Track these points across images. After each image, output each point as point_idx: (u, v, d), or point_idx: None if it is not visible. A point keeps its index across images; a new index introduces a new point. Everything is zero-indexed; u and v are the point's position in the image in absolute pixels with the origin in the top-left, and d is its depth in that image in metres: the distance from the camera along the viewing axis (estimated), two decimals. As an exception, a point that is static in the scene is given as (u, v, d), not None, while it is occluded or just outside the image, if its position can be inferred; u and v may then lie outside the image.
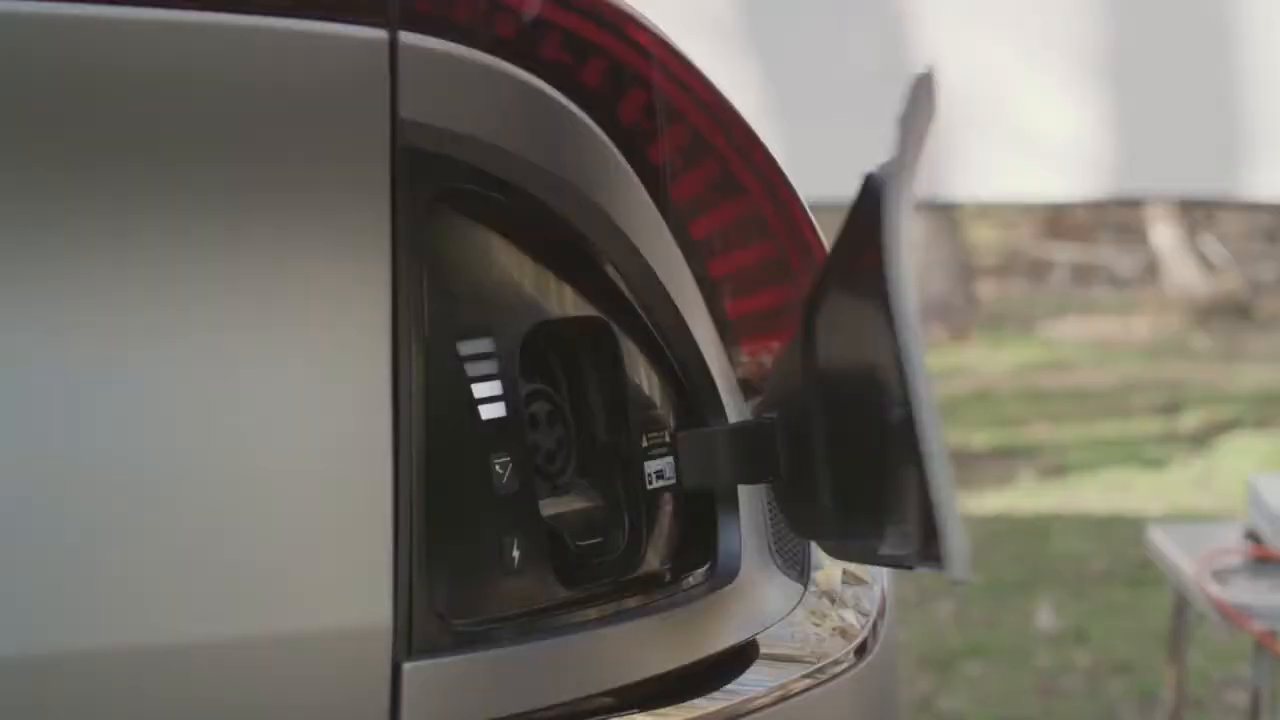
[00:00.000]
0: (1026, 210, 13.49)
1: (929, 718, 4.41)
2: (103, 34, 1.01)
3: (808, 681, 1.27)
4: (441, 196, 1.10)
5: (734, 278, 1.28)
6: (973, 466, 7.63)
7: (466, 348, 1.12)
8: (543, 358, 1.20)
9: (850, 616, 1.36)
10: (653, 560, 1.22)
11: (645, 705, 1.16)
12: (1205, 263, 13.56)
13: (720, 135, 1.25)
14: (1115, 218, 14.25)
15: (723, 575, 1.25)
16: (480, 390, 1.12)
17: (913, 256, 1.09)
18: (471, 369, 1.12)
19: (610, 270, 1.19)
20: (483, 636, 1.10)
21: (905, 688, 4.44)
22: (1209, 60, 5.34)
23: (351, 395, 1.06)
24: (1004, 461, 7.97)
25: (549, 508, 1.17)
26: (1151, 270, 13.84)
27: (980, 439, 8.39)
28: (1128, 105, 5.44)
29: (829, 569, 1.34)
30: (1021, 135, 5.71)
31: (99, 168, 1.01)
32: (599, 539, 1.19)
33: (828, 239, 1.33)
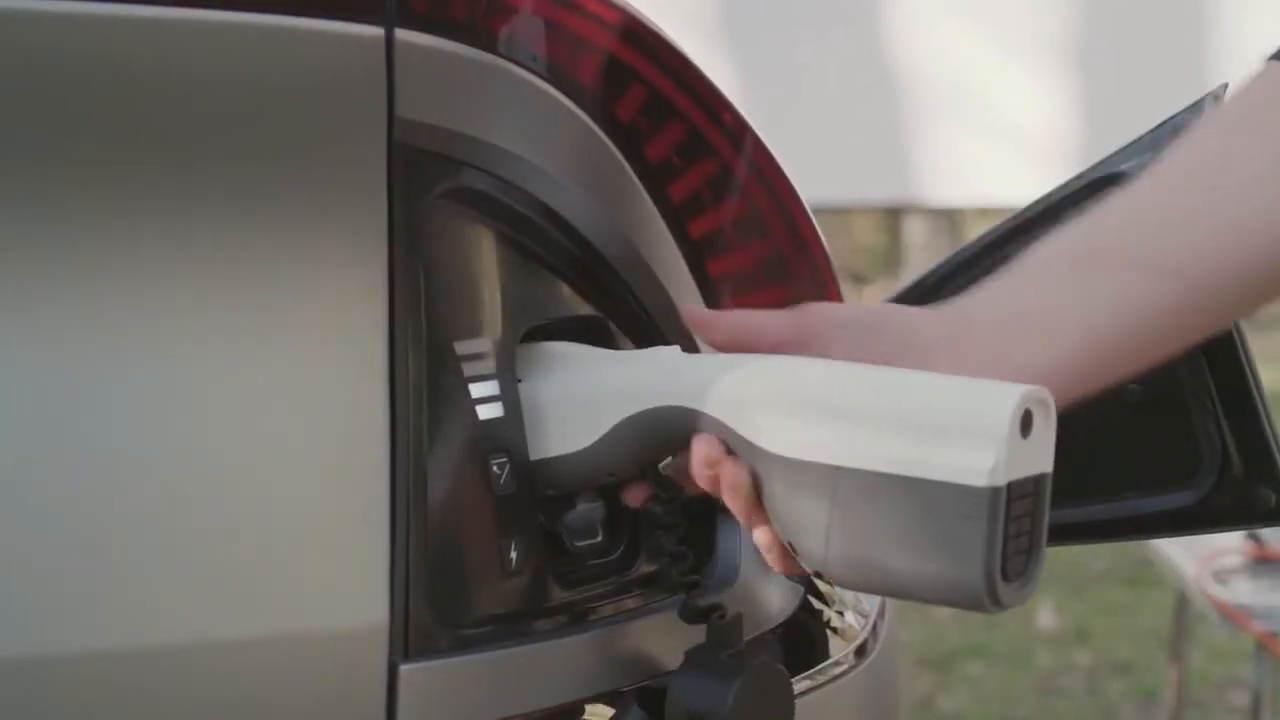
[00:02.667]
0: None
1: (929, 717, 4.41)
2: (94, 31, 1.00)
3: (808, 683, 1.27)
4: (439, 195, 1.10)
5: (733, 277, 1.28)
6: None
7: (464, 347, 1.11)
8: (541, 357, 1.20)
9: (850, 618, 1.35)
10: (651, 562, 1.21)
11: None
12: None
13: (719, 133, 1.25)
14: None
15: (722, 576, 1.25)
16: (477, 390, 1.11)
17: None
18: (469, 368, 1.11)
19: (608, 269, 1.19)
20: (480, 638, 1.10)
21: (905, 687, 4.43)
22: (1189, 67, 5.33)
23: (348, 395, 1.05)
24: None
25: (546, 508, 1.16)
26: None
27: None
28: (1118, 105, 5.43)
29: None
30: (1025, 141, 5.70)
31: (90, 166, 1.01)
32: (597, 540, 1.18)
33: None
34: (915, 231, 7.12)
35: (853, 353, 1.08)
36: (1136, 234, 1.07)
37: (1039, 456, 1.01)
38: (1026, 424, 1.00)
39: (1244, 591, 3.27)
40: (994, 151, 5.74)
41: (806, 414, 1.04)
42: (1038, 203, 1.26)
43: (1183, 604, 3.68)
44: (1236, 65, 5.46)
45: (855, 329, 1.10)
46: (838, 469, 1.03)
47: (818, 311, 1.13)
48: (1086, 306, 1.06)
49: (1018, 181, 5.68)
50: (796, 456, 1.04)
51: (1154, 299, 1.06)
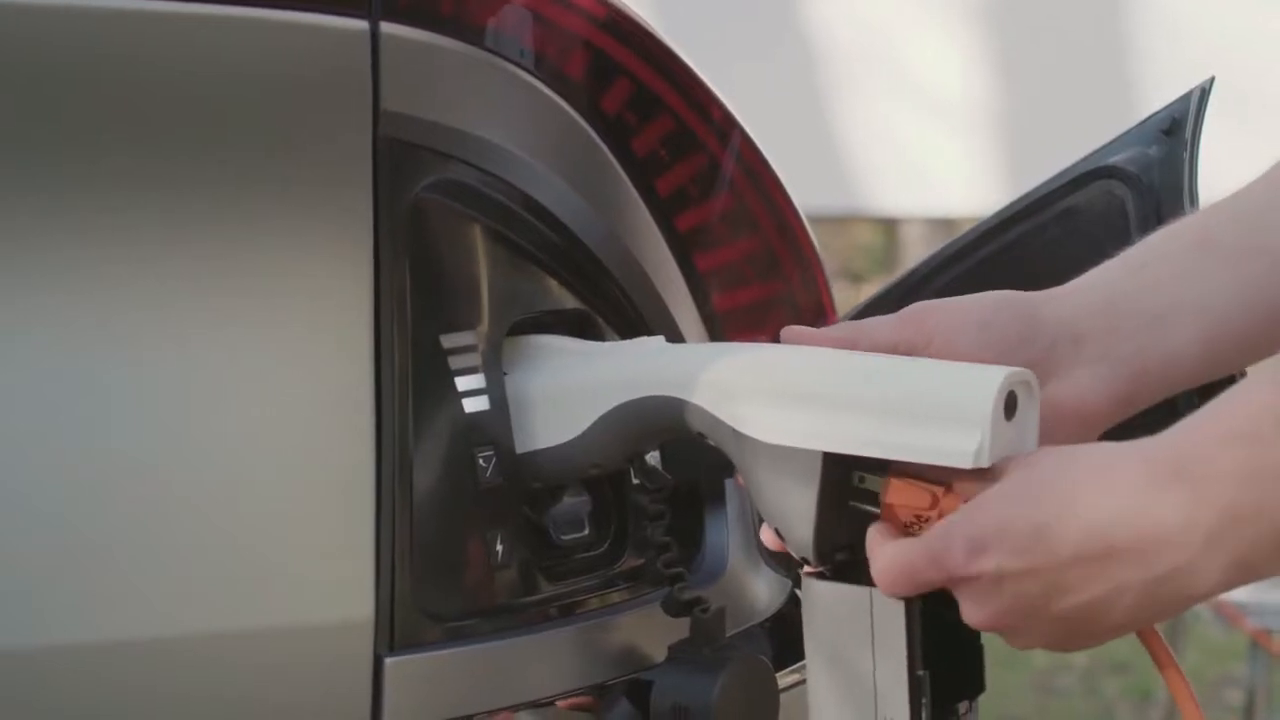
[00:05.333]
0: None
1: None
2: (76, 23, 1.00)
3: (796, 677, 1.27)
4: (424, 188, 1.10)
5: (721, 271, 1.28)
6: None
7: (450, 340, 1.11)
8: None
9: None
10: (638, 555, 1.21)
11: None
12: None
13: (706, 128, 1.25)
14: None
15: (710, 569, 1.25)
16: (463, 383, 1.11)
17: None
18: (455, 361, 1.11)
19: (594, 262, 1.19)
20: (466, 631, 1.10)
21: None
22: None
23: (333, 388, 1.05)
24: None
25: (533, 501, 1.17)
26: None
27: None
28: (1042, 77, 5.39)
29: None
30: (947, 114, 5.65)
31: (74, 161, 1.01)
32: (584, 533, 1.18)
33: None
34: (912, 231, 7.13)
35: (974, 350, 1.06)
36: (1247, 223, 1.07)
37: (1023, 438, 1.02)
38: (1010, 406, 1.00)
39: (1239, 589, 3.27)
40: (995, 162, 5.71)
41: (791, 401, 1.04)
42: (1024, 198, 1.26)
43: (1178, 602, 3.67)
44: (1158, 33, 5.39)
45: (974, 327, 1.07)
46: (823, 454, 1.03)
47: (930, 311, 1.09)
48: (1206, 296, 1.06)
49: (953, 182, 5.63)
50: (782, 443, 1.04)
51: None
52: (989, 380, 0.99)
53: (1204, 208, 1.11)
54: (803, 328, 1.11)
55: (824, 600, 1.06)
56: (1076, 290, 1.09)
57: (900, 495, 1.02)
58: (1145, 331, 1.06)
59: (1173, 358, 1.06)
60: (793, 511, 1.05)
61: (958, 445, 0.98)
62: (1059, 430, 1.03)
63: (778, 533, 1.07)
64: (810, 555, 1.05)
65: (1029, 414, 1.02)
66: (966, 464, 0.98)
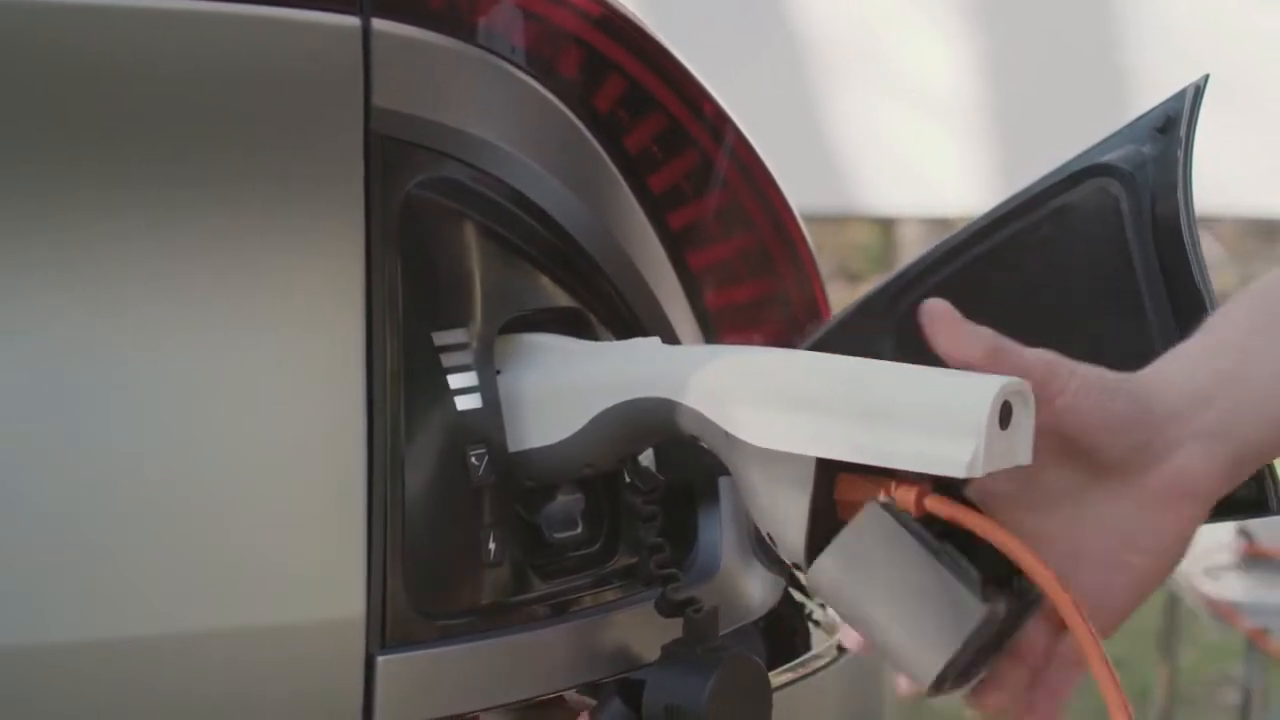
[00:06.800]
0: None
1: (922, 714, 4.40)
2: (66, 20, 1.00)
3: (789, 675, 1.27)
4: (416, 185, 1.10)
5: (714, 269, 1.28)
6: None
7: (442, 338, 1.11)
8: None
9: (833, 611, 1.35)
10: (631, 554, 1.21)
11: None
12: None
13: (699, 125, 1.25)
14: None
15: (703, 568, 1.25)
16: (456, 381, 1.11)
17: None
18: (447, 359, 1.11)
19: (588, 260, 1.18)
20: (458, 629, 1.10)
21: (895, 683, 4.40)
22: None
23: (325, 386, 1.05)
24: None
25: (526, 499, 1.16)
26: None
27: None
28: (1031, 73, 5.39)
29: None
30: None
31: (59, 158, 1.00)
32: (577, 532, 1.18)
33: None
34: (909, 230, 7.13)
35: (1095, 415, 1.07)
36: None
37: (1018, 448, 1.01)
38: (1005, 415, 1.00)
39: (1235, 588, 3.28)
40: (986, 161, 5.70)
41: (785, 405, 1.04)
42: (1017, 196, 1.26)
43: (1173, 601, 3.68)
44: (1152, 30, 5.38)
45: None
46: (816, 460, 1.03)
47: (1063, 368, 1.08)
48: None
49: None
50: (775, 448, 1.04)
51: None
52: (984, 389, 0.99)
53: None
54: (952, 310, 1.08)
55: (836, 567, 1.04)
56: (1181, 371, 1.09)
57: (852, 491, 1.02)
58: (1248, 403, 1.07)
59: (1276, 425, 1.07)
60: (785, 516, 1.04)
61: (951, 454, 0.98)
62: (1172, 506, 1.06)
63: (769, 537, 1.07)
64: (802, 561, 1.05)
65: (1024, 424, 1.02)
66: (960, 473, 0.98)
